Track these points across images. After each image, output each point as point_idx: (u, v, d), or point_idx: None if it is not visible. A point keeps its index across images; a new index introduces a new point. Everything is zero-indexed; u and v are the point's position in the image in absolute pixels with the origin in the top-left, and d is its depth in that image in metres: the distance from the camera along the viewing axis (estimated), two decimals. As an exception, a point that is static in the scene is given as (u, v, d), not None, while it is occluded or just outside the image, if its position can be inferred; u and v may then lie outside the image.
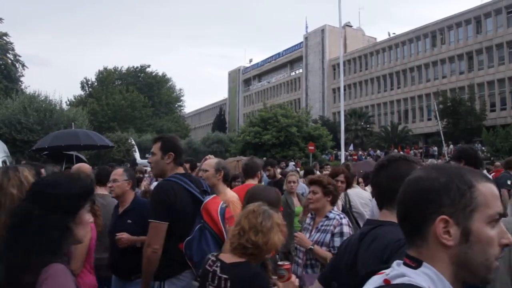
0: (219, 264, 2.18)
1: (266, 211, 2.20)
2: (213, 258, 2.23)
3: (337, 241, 3.14)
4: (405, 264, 0.99)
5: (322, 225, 3.33)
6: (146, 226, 2.78)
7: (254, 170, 4.57)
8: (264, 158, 25.55)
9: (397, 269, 0.99)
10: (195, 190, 2.92)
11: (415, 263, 0.97)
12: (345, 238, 3.16)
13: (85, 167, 4.77)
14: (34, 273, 1.38)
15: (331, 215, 3.30)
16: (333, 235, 3.18)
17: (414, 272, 0.95)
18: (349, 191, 5.06)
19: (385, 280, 0.99)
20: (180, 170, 2.99)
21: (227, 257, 2.18)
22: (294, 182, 5.67)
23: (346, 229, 3.21)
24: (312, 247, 3.22)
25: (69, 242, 1.54)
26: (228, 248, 2.22)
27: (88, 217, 1.63)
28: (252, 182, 4.39)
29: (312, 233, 3.37)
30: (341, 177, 4.63)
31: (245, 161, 5.00)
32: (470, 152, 4.19)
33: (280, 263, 2.09)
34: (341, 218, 3.28)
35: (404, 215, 1.02)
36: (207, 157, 3.81)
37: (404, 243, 1.41)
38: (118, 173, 3.54)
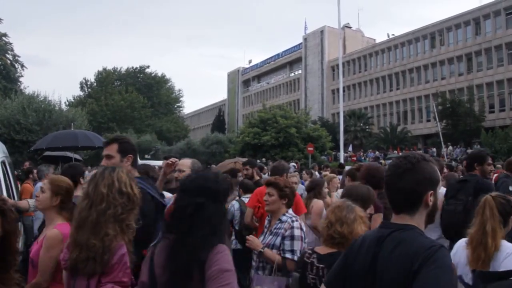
0: (315, 256, 2.60)
1: (349, 205, 2.60)
2: (309, 251, 2.66)
3: (287, 245, 3.11)
4: None
5: (275, 228, 3.33)
6: None
7: (282, 171, 4.98)
8: (263, 159, 25.52)
9: None
10: (156, 193, 2.83)
11: None
12: (296, 241, 3.11)
13: None
14: (208, 251, 1.79)
15: (284, 218, 3.27)
16: (283, 238, 3.14)
17: None
18: None
19: None
20: (136, 173, 2.87)
21: (321, 249, 2.60)
22: (295, 183, 5.71)
23: (297, 232, 3.17)
24: (262, 250, 3.23)
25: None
26: None
27: None
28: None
29: (266, 235, 3.40)
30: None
31: (274, 163, 5.54)
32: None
33: None
34: (292, 221, 3.24)
35: None
36: (171, 160, 3.60)
37: (435, 251, 1.42)
38: None
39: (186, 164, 3.51)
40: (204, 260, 1.77)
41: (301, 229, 3.21)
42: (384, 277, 1.52)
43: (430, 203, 1.58)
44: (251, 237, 3.38)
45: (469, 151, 29.04)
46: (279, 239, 3.18)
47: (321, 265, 2.52)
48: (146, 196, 2.66)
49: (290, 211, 3.41)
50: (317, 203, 5.24)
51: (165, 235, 2.01)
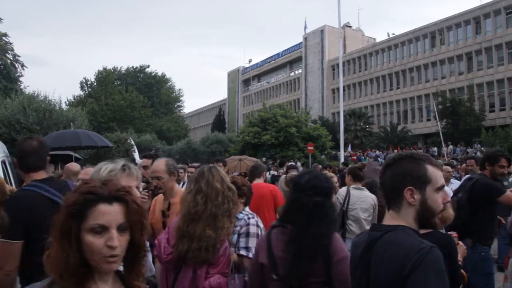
0: None
1: None
2: None
3: (242, 242, 3.04)
4: None
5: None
6: None
7: (260, 171, 5.26)
8: (264, 158, 25.51)
9: None
10: (59, 196, 2.53)
11: None
12: (251, 238, 3.05)
13: (74, 166, 4.93)
14: (330, 238, 2.16)
15: (240, 216, 3.19)
16: (239, 235, 3.07)
17: None
18: (353, 191, 4.96)
19: None
20: (39, 175, 2.61)
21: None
22: None
23: (253, 229, 3.10)
24: None
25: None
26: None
27: None
28: (258, 181, 5.04)
29: None
30: None
31: (253, 164, 5.81)
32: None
33: (449, 233, 2.73)
34: (248, 219, 3.18)
35: None
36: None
37: (426, 254, 1.37)
38: (88, 172, 3.17)
39: (161, 169, 3.30)
40: (327, 245, 2.15)
41: (257, 226, 3.15)
42: (377, 282, 1.50)
43: (412, 201, 1.53)
44: None
45: (469, 150, 29.08)
46: (235, 237, 3.11)
47: None
48: (37, 201, 2.42)
49: (247, 209, 3.36)
50: None
51: (281, 223, 2.33)
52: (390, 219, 1.60)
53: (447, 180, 6.67)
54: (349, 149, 36.29)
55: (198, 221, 2.25)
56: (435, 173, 1.57)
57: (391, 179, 1.59)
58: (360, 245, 1.65)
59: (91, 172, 3.15)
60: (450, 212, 2.94)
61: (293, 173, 6.58)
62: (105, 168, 2.11)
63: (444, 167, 7.24)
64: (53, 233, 1.21)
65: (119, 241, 1.20)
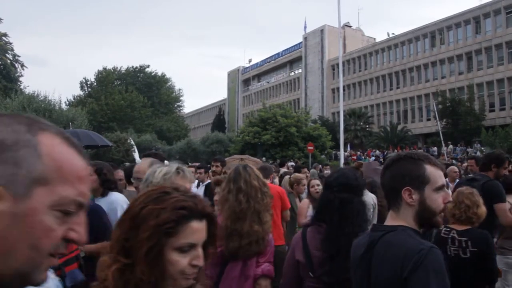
0: (454, 232, 2.92)
1: (476, 191, 3.07)
2: (445, 229, 3.01)
3: None
4: None
5: None
6: (94, 233, 2.59)
7: (269, 172, 5.35)
8: (264, 158, 25.54)
9: None
10: None
11: None
12: None
13: None
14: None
15: None
16: None
17: None
18: None
19: None
20: None
21: (457, 226, 2.96)
22: (304, 185, 5.75)
23: None
24: None
25: None
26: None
27: None
28: (266, 182, 4.91)
29: None
30: None
31: (261, 165, 5.87)
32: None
33: None
34: None
35: None
36: None
37: (425, 255, 1.35)
38: None
39: (144, 169, 3.20)
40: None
41: None
42: (378, 283, 1.50)
43: (410, 201, 1.52)
44: None
45: (469, 150, 29.07)
46: None
47: (464, 238, 2.87)
48: None
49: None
50: (302, 202, 5.23)
51: (315, 222, 2.39)
52: (390, 219, 1.59)
53: (453, 180, 6.69)
54: (349, 148, 36.30)
55: (244, 219, 2.35)
56: (434, 173, 1.55)
57: (390, 180, 1.59)
58: (361, 246, 1.64)
59: None
60: (483, 209, 2.96)
61: (298, 174, 6.43)
62: (159, 170, 2.18)
63: (451, 167, 7.23)
64: (138, 250, 1.08)
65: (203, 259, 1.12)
